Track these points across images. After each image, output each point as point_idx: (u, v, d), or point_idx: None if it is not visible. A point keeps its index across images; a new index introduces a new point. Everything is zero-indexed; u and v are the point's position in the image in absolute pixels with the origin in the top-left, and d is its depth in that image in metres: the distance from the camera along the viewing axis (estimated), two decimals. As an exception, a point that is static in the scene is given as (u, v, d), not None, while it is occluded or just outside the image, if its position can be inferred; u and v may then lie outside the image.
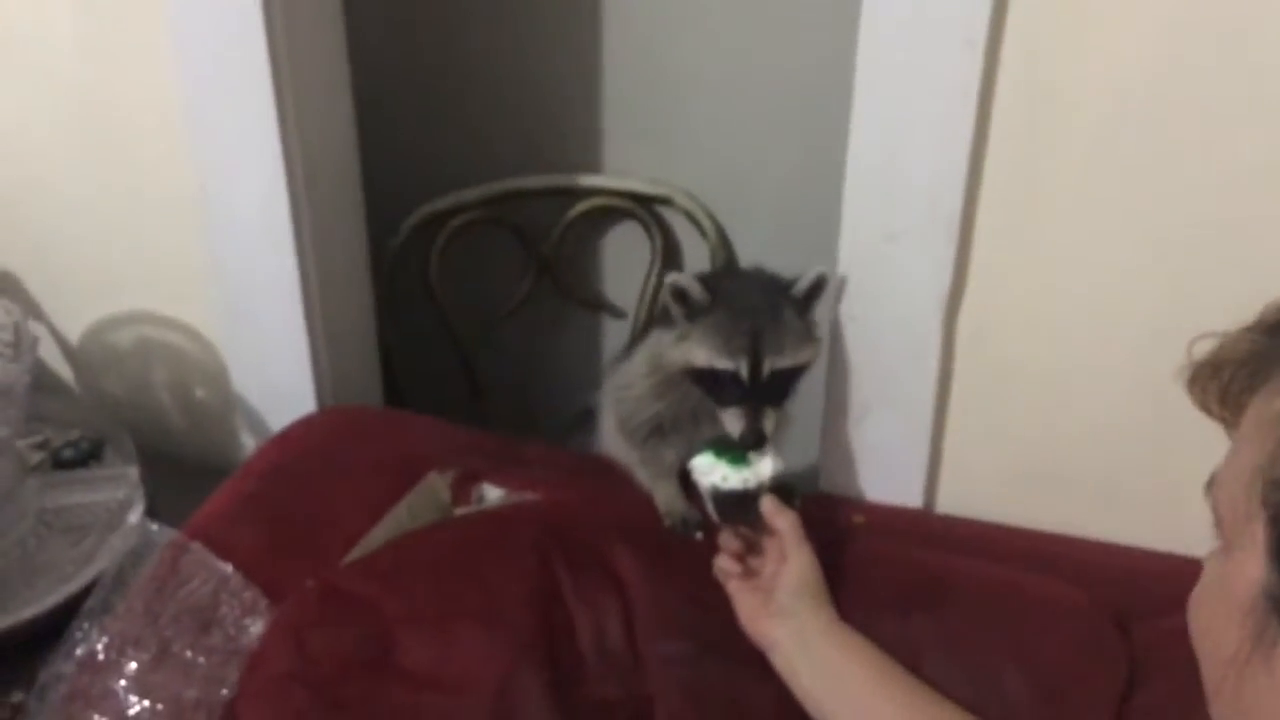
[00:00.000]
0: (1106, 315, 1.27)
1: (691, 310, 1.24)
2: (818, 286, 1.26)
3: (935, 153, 1.21)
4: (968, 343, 1.32)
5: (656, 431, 1.35)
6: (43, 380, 1.71)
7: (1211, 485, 0.76)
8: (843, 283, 1.33)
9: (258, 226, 1.47)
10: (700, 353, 1.23)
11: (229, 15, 1.35)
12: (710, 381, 1.24)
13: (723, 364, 1.22)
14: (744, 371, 1.22)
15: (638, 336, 1.39)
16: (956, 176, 1.21)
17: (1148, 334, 1.25)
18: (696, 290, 1.24)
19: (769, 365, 1.22)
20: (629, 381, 1.36)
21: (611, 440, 1.39)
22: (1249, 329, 0.76)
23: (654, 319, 1.35)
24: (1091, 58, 1.16)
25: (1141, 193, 1.20)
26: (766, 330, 1.23)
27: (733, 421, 1.24)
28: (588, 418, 1.48)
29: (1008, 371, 1.33)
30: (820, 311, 1.29)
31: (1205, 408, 0.79)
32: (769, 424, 1.24)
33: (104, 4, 1.47)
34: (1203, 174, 1.18)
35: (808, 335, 1.26)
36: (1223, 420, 0.78)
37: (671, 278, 1.24)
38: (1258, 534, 0.68)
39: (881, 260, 1.29)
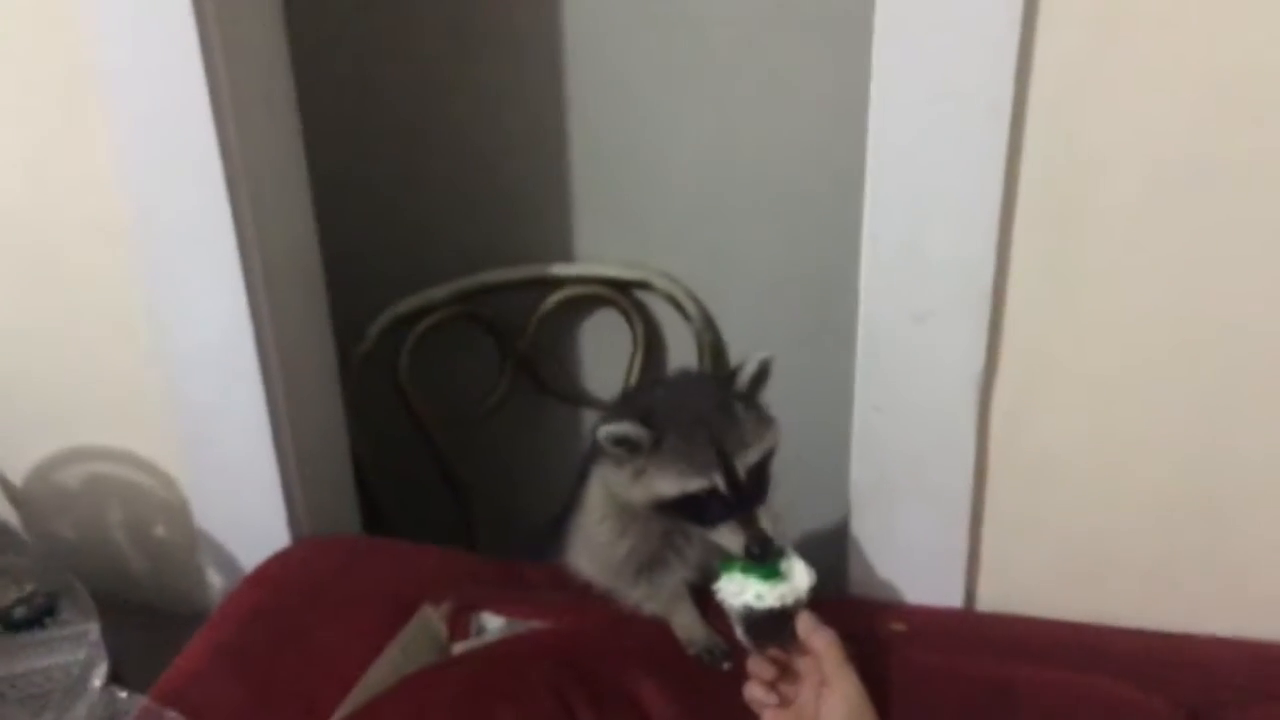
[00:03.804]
0: (1151, 391, 1.19)
1: (636, 449, 1.14)
2: (762, 374, 1.16)
3: (962, 227, 1.12)
4: (1004, 426, 1.23)
5: (645, 566, 1.24)
6: (-12, 529, 1.58)
7: None
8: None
9: (218, 349, 1.36)
10: (665, 484, 1.13)
11: (176, 128, 1.25)
12: (689, 507, 1.14)
13: (695, 485, 1.12)
14: (721, 483, 1.11)
15: (578, 481, 1.29)
16: (986, 251, 1.13)
17: (1195, 409, 1.18)
18: (636, 432, 1.12)
19: (742, 466, 1.12)
20: (591, 530, 1.25)
21: (607, 589, 1.27)
22: None
23: (589, 456, 1.24)
24: (1123, 123, 1.08)
25: (1183, 262, 1.13)
26: (725, 431, 1.12)
27: (731, 538, 1.13)
28: (554, 535, 1.36)
29: (1048, 455, 1.24)
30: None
31: None
32: (767, 524, 1.13)
33: (41, 121, 1.36)
34: (1247, 241, 1.11)
35: (763, 420, 1.16)
36: None
37: (605, 431, 1.13)
38: None
39: (908, 343, 1.19)
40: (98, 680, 1.30)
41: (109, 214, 1.35)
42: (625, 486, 1.16)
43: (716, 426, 1.12)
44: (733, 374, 1.16)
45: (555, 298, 1.76)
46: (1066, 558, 1.28)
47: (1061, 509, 1.25)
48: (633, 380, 1.77)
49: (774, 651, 1.13)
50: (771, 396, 1.17)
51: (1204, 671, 1.20)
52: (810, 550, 1.17)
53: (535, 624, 1.29)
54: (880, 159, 1.13)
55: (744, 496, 1.12)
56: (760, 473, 1.14)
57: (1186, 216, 1.10)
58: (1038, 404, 1.21)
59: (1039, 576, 1.29)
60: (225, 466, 1.45)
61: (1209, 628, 1.24)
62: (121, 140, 1.29)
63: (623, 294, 1.76)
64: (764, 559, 1.12)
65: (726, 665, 1.20)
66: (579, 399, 1.85)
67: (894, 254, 1.16)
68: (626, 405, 1.22)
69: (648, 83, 1.65)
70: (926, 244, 1.14)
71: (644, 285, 1.74)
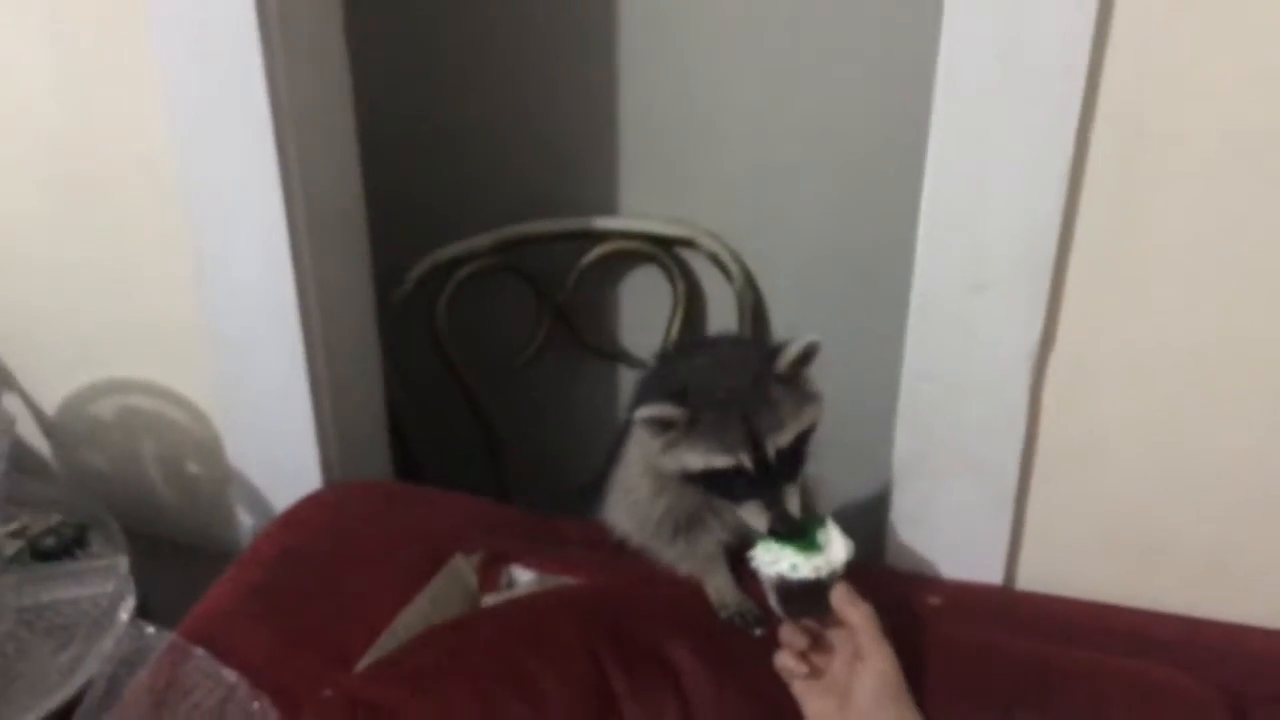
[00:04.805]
0: (1212, 369, 1.15)
1: (670, 426, 1.11)
2: (805, 357, 1.12)
3: (1027, 195, 1.09)
4: (1057, 402, 1.19)
5: (682, 525, 1.22)
6: (19, 458, 1.57)
7: None
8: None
9: (258, 287, 1.34)
10: (693, 457, 1.10)
11: (225, 62, 1.24)
12: (716, 482, 1.12)
13: (722, 461, 1.09)
14: (747, 462, 1.08)
15: (619, 435, 1.27)
16: (1051, 220, 1.09)
17: (1257, 389, 1.14)
18: (671, 413, 1.10)
19: (772, 447, 1.09)
20: (630, 485, 1.23)
21: (643, 545, 1.25)
22: None
23: (631, 412, 1.20)
24: (1199, 94, 1.04)
25: (1252, 237, 1.09)
26: (758, 412, 1.09)
27: (755, 516, 1.11)
28: (595, 491, 1.33)
29: (1101, 433, 1.20)
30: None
31: None
32: (793, 503, 1.10)
33: (88, 52, 1.35)
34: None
35: (803, 398, 1.13)
36: None
37: (640, 414, 1.10)
38: None
39: (962, 313, 1.16)
40: (125, 614, 1.30)
41: (152, 147, 1.34)
42: (656, 455, 1.14)
43: (750, 406, 1.09)
44: (775, 351, 1.12)
45: (597, 251, 1.74)
46: (1112, 540, 1.24)
47: (1110, 489, 1.22)
48: (671, 338, 1.75)
49: (807, 622, 1.11)
50: (814, 364, 1.14)
51: (1250, 661, 1.17)
52: (850, 521, 1.15)
53: (567, 580, 1.27)
54: (945, 119, 1.09)
55: (770, 476, 1.09)
56: (794, 452, 1.11)
57: (1258, 193, 1.06)
58: (1094, 381, 1.18)
59: (1082, 557, 1.26)
60: (260, 405, 1.43)
61: (1256, 618, 1.20)
62: (169, 75, 1.27)
63: (665, 251, 1.73)
64: (789, 538, 1.10)
65: (758, 631, 1.18)
66: (615, 354, 1.83)
67: (954, 220, 1.12)
68: (662, 377, 1.18)
69: (701, 37, 1.62)
70: (989, 211, 1.10)
71: (687, 243, 1.72)
